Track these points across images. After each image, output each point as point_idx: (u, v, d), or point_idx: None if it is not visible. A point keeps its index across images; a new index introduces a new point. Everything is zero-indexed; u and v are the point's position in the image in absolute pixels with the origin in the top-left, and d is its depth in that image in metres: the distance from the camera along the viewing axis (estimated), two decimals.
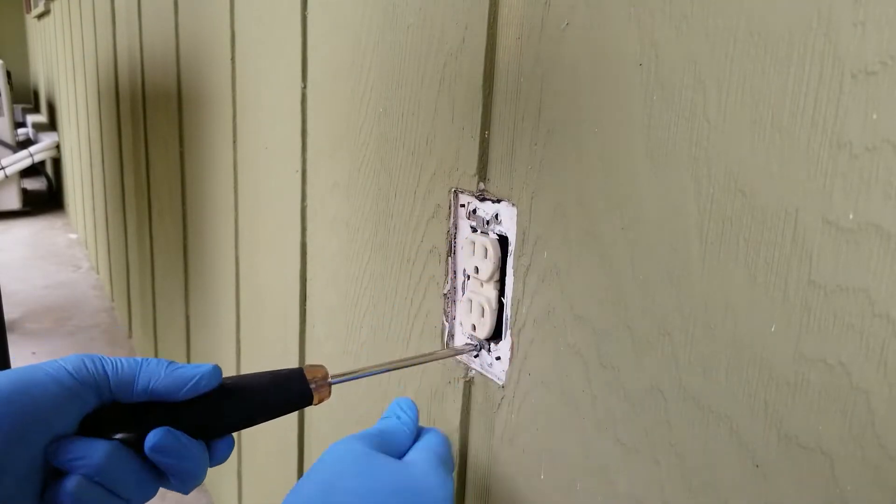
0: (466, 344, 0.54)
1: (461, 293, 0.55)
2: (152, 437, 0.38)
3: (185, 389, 0.39)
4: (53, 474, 0.37)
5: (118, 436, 0.38)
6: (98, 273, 2.71)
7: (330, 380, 0.43)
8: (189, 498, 1.42)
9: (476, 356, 0.53)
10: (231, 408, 0.41)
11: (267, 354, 0.99)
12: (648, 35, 0.36)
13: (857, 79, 0.28)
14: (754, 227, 0.32)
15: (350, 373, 0.45)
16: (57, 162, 3.81)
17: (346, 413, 0.76)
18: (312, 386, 0.42)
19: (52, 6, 3.49)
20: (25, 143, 3.75)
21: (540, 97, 0.44)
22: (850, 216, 0.28)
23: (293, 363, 0.88)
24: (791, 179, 0.30)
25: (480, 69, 0.49)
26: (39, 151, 3.55)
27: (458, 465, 0.56)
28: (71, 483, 0.36)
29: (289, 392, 0.42)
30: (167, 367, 0.40)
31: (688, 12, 0.34)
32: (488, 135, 0.49)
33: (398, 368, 0.49)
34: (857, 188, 0.28)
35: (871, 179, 0.28)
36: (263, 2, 0.87)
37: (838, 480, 0.30)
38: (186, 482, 0.39)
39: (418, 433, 0.46)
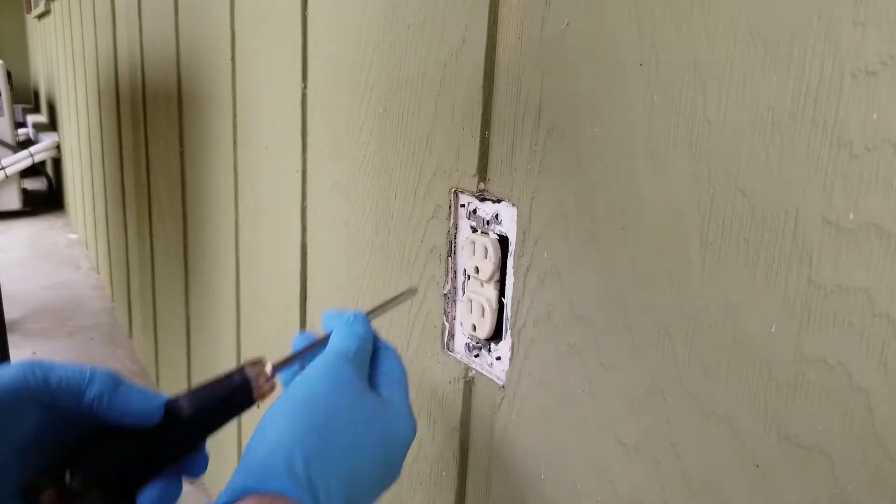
0: (409, 289, 0.51)
1: (461, 293, 0.55)
2: None
3: (125, 419, 0.39)
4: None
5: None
6: (98, 273, 2.71)
7: (270, 370, 0.42)
8: (189, 497, 1.42)
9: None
10: (176, 433, 0.40)
11: (267, 355, 0.99)
12: (648, 35, 0.36)
13: (857, 79, 0.28)
14: (754, 228, 0.32)
15: (294, 355, 0.44)
16: (57, 162, 3.80)
17: None
18: (254, 384, 0.41)
19: (52, 6, 3.48)
20: (25, 143, 3.74)
21: (540, 97, 0.44)
22: (850, 216, 0.28)
23: None
24: (791, 179, 0.30)
25: (480, 69, 0.49)
26: (39, 151, 3.54)
27: (459, 465, 0.56)
28: None
29: (232, 397, 0.41)
30: (111, 390, 0.38)
31: (688, 12, 0.34)
32: (488, 135, 0.49)
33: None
34: (857, 188, 0.28)
35: (871, 179, 0.28)
36: (263, 2, 0.87)
37: (838, 480, 0.30)
38: None
39: (375, 350, 0.46)
